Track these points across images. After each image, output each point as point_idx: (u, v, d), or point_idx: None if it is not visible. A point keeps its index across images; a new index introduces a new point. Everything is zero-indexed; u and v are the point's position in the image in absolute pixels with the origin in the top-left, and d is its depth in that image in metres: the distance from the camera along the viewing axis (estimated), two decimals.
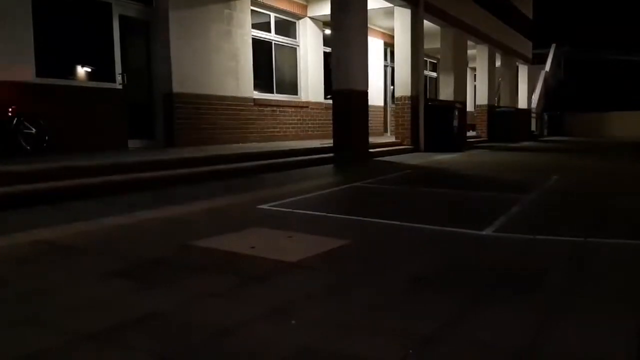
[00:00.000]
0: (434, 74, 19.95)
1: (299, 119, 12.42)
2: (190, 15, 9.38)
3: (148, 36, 9.11)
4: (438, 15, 13.16)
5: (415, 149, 12.01)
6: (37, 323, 2.02)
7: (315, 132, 12.76)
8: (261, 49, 11.41)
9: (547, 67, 26.26)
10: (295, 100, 12.45)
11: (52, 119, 7.20)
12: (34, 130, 6.90)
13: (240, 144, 10.27)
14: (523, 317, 2.03)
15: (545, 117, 25.07)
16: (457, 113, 12.99)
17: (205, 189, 5.73)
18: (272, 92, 11.82)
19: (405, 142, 12.05)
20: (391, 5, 11.90)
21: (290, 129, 12.10)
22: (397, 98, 12.36)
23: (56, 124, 7.26)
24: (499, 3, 18.45)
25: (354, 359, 1.70)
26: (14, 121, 6.70)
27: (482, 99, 18.07)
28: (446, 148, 12.08)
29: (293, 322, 1.99)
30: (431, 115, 12.35)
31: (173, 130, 9.14)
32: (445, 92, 14.75)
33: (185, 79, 9.27)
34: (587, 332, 1.89)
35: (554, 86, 26.89)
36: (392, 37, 13.13)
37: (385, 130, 16.40)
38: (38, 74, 7.29)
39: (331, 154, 9.13)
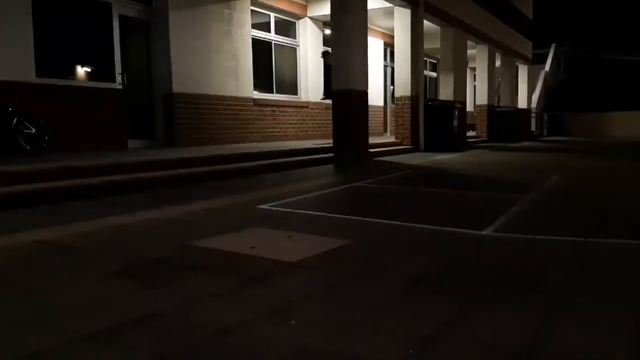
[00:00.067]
0: (434, 74, 19.95)
1: (299, 119, 12.42)
2: (190, 15, 9.38)
3: (148, 36, 9.11)
4: (438, 15, 13.16)
5: (415, 149, 12.01)
6: (37, 323, 2.02)
7: (315, 132, 12.76)
8: (261, 49, 11.41)
9: (547, 67, 26.26)
10: (295, 100, 12.45)
11: (52, 119, 7.20)
12: (33, 130, 6.89)
13: (240, 144, 10.26)
14: (523, 317, 2.03)
15: (545, 117, 25.06)
16: (457, 113, 12.99)
17: (205, 189, 5.73)
18: (272, 92, 11.82)
19: (405, 142, 12.05)
20: (391, 5, 11.90)
21: (290, 129, 12.10)
22: (397, 98, 12.36)
23: (56, 124, 7.27)
24: (499, 3, 18.44)
25: (354, 359, 1.70)
26: (14, 121, 6.68)
27: (482, 99, 18.07)
28: (446, 148, 12.08)
29: (293, 322, 1.99)
30: (431, 115, 12.35)
31: (173, 130, 9.14)
32: (445, 92, 14.75)
33: (185, 79, 9.27)
34: (587, 332, 1.89)
35: (554, 86, 26.88)
36: (392, 37, 13.13)
37: (385, 130, 16.40)
38: (38, 74, 7.29)
39: (331, 154, 9.13)
